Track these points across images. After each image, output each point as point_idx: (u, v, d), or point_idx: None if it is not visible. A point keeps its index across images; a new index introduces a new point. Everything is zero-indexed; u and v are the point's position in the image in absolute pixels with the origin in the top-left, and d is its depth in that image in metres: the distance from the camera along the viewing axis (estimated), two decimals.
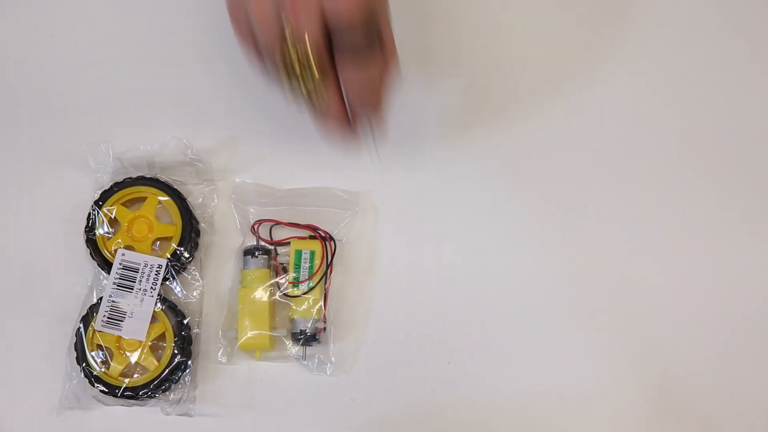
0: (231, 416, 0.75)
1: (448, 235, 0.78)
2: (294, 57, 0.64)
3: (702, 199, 0.79)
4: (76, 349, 0.73)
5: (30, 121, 0.80)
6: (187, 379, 0.74)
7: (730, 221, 0.79)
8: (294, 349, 0.75)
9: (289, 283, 0.75)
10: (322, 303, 0.75)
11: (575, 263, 0.78)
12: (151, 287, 0.74)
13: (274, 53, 0.64)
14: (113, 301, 0.74)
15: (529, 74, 0.81)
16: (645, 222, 0.79)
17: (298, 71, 0.64)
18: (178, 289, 0.76)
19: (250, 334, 0.74)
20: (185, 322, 0.74)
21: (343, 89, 0.68)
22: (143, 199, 0.76)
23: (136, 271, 0.74)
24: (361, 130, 0.72)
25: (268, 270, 0.75)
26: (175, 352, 0.73)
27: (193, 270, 0.76)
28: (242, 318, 0.74)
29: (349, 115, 0.70)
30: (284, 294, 0.75)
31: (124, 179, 0.76)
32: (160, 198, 0.76)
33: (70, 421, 0.74)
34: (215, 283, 0.77)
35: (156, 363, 0.73)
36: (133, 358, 0.73)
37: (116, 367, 0.73)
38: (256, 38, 0.66)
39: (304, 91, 0.66)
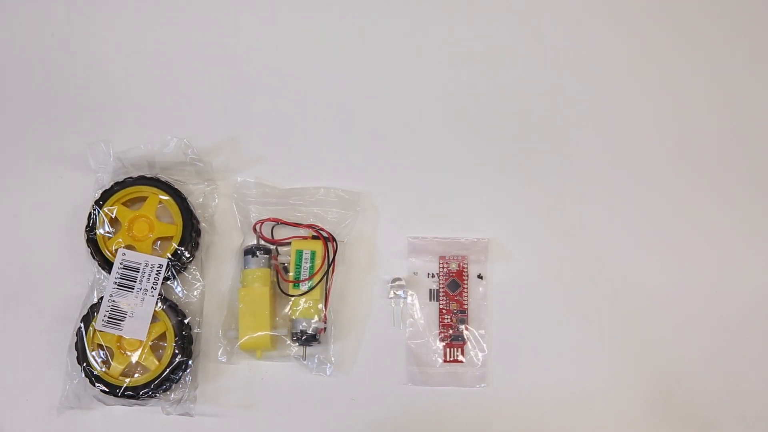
0: (231, 416, 0.75)
1: (448, 235, 0.78)
2: None
3: (702, 200, 0.79)
4: (76, 349, 0.73)
5: (30, 121, 0.80)
6: (187, 378, 0.74)
7: (730, 222, 0.79)
8: (294, 348, 0.75)
9: (290, 282, 0.75)
10: (322, 303, 0.75)
11: (575, 264, 0.78)
12: (152, 287, 0.74)
13: None
14: (114, 301, 0.74)
15: (528, 74, 0.82)
16: (645, 223, 0.79)
17: None
18: (179, 288, 0.76)
19: (250, 333, 0.74)
20: (186, 321, 0.74)
21: None
22: (144, 199, 0.76)
23: (136, 270, 0.74)
24: None
25: (269, 269, 0.75)
26: (176, 351, 0.73)
27: (194, 269, 0.76)
28: (243, 317, 0.74)
29: None
30: (285, 294, 0.75)
31: (125, 179, 0.76)
32: (161, 197, 0.76)
33: (71, 421, 0.75)
34: (216, 283, 0.77)
35: (157, 363, 0.73)
36: (134, 357, 0.73)
37: (117, 366, 0.73)
38: None
39: None
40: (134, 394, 0.73)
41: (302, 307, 0.75)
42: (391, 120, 0.80)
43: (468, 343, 0.77)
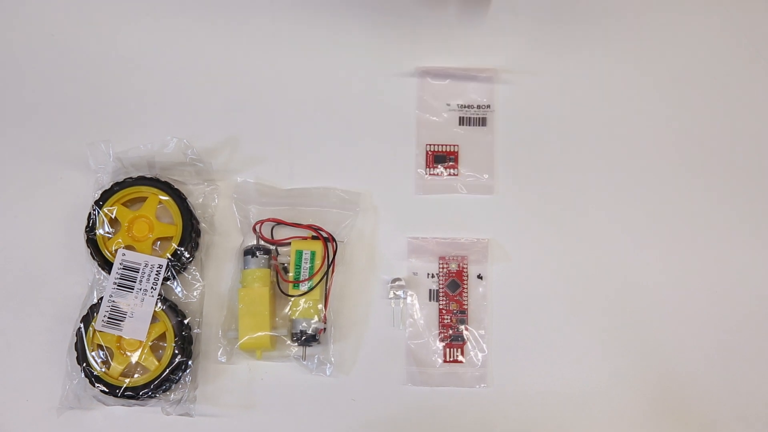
0: (231, 416, 0.75)
1: (448, 235, 0.78)
2: None
3: (702, 200, 0.79)
4: (76, 349, 0.73)
5: (30, 122, 0.80)
6: (187, 379, 0.74)
7: (729, 222, 0.79)
8: (294, 349, 0.75)
9: (290, 282, 0.75)
10: (322, 303, 0.75)
11: (575, 264, 0.78)
12: (152, 287, 0.74)
13: None
14: (113, 301, 0.74)
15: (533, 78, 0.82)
16: (645, 223, 0.79)
17: None
18: (179, 289, 0.76)
19: (250, 334, 0.74)
20: (186, 322, 0.74)
21: None
22: (143, 199, 0.76)
23: (136, 271, 0.74)
24: None
25: (269, 270, 0.75)
26: (176, 352, 0.73)
27: (194, 270, 0.76)
28: (243, 318, 0.74)
29: None
30: (285, 294, 0.75)
31: (125, 179, 0.76)
32: (161, 198, 0.76)
33: (71, 421, 0.75)
34: (216, 283, 0.77)
35: (156, 363, 0.73)
36: (134, 358, 0.73)
37: (117, 367, 0.73)
38: None
39: None
40: (134, 394, 0.73)
41: (302, 308, 0.75)
42: (390, 120, 0.80)
43: (468, 343, 0.77)
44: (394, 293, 0.77)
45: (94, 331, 0.73)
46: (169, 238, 0.75)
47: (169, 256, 0.74)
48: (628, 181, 0.79)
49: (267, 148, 0.80)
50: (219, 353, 0.75)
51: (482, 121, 0.80)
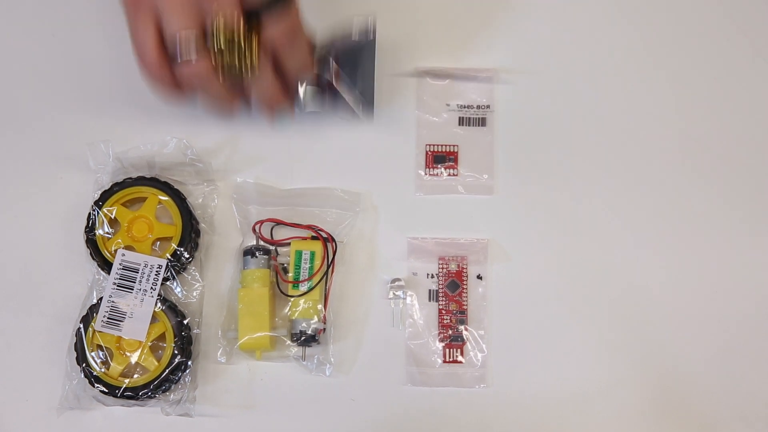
0: (231, 416, 0.75)
1: (448, 236, 0.78)
2: (221, 36, 0.68)
3: (702, 200, 0.79)
4: (76, 350, 0.73)
5: (30, 121, 0.80)
6: (187, 379, 0.74)
7: (730, 222, 0.79)
8: (294, 349, 0.75)
9: (289, 283, 0.75)
10: (322, 304, 0.75)
11: (575, 264, 0.78)
12: (151, 287, 0.74)
13: (195, 42, 0.69)
14: (113, 302, 0.74)
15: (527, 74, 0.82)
16: (645, 222, 0.79)
17: (225, 47, 0.69)
18: (178, 289, 0.76)
19: (250, 334, 0.74)
20: (185, 322, 0.74)
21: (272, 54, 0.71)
22: (143, 200, 0.76)
23: (136, 271, 0.74)
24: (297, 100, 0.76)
25: (269, 270, 0.75)
26: (175, 352, 0.73)
27: (193, 270, 0.76)
28: (242, 318, 0.74)
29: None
30: (284, 294, 0.75)
31: (124, 179, 0.76)
32: (160, 198, 0.76)
33: (70, 422, 0.75)
34: (215, 284, 0.77)
35: (156, 363, 0.73)
36: (133, 358, 0.73)
37: (116, 367, 0.73)
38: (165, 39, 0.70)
39: (237, 66, 0.69)
40: (134, 394, 0.73)
41: (301, 308, 0.75)
42: (390, 120, 0.80)
43: (467, 343, 0.77)
44: (394, 293, 0.77)
45: (94, 331, 0.73)
46: (168, 239, 0.75)
47: (169, 257, 0.74)
48: (628, 180, 0.79)
49: (267, 148, 0.80)
50: (219, 353, 0.75)
51: (482, 122, 0.80)
